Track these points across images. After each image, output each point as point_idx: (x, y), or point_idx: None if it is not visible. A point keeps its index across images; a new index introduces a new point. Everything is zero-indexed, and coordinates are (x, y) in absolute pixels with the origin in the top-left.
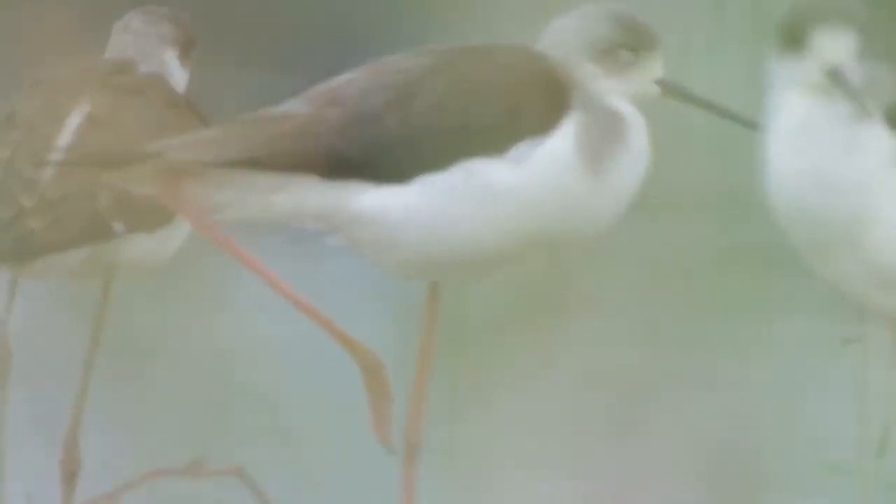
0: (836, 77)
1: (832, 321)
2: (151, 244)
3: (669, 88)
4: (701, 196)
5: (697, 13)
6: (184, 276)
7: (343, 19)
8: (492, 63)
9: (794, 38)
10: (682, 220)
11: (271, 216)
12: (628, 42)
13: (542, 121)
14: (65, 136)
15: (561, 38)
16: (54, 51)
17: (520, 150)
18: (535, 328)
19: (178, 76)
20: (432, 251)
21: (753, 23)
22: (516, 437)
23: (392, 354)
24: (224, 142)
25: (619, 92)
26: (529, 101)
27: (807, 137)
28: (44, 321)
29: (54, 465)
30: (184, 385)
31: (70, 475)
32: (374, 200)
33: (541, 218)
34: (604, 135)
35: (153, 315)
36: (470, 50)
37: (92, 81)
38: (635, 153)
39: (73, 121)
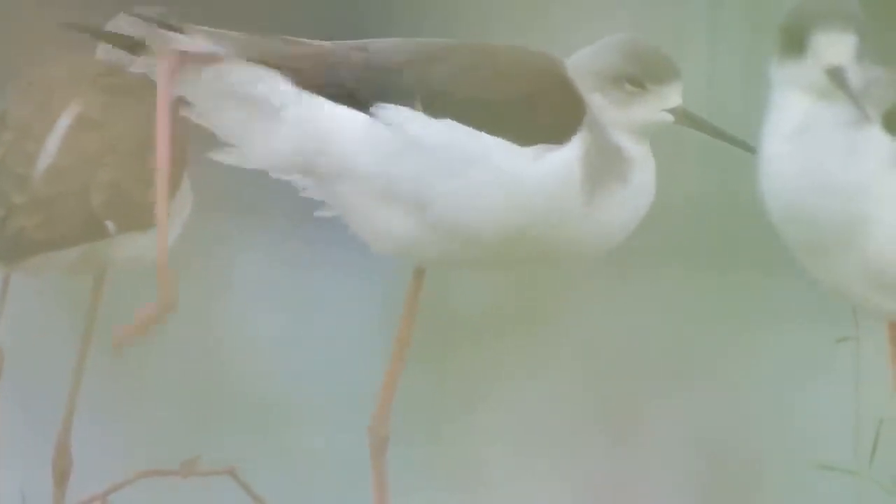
0: (836, 76)
1: (826, 320)
2: (145, 242)
3: (683, 117)
4: (697, 197)
5: (693, 14)
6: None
7: (343, 22)
8: (516, 57)
9: (795, 40)
10: (678, 222)
11: (240, 106)
12: (636, 74)
13: (555, 121)
14: (55, 137)
15: (575, 67)
16: (46, 49)
17: (524, 140)
18: (527, 328)
19: None
20: (416, 215)
21: (751, 24)
22: (505, 436)
23: (380, 345)
24: (246, 42)
25: (622, 123)
26: (545, 96)
27: (805, 139)
28: (34, 319)
29: (46, 464)
30: (177, 385)
31: (62, 474)
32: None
33: (525, 218)
34: (604, 167)
35: None
36: (498, 46)
37: (83, 82)
38: (635, 193)
39: (64, 121)
